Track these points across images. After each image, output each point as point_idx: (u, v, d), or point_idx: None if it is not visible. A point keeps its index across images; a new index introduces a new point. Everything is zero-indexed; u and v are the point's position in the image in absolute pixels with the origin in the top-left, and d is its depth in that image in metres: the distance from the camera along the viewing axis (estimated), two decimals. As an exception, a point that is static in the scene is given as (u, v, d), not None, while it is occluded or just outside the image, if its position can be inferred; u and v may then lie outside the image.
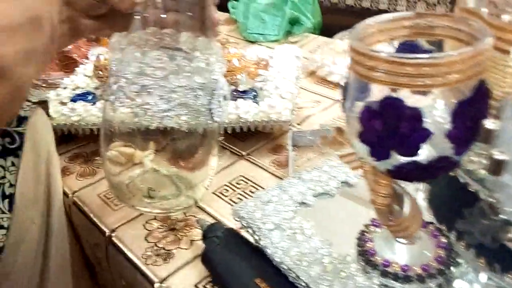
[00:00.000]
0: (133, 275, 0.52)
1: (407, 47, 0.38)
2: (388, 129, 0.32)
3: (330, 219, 0.48)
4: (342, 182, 0.52)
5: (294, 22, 1.05)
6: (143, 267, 0.51)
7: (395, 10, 1.32)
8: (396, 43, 0.39)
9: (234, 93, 0.73)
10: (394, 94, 0.33)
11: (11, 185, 0.53)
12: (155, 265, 0.51)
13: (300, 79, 0.81)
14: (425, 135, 0.32)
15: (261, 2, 1.07)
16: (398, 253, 0.41)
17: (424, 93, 0.35)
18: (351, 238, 0.44)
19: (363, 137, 0.34)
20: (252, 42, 1.05)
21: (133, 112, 0.47)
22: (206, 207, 0.59)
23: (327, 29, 1.11)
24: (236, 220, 0.49)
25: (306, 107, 0.79)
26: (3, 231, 0.51)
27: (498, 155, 0.25)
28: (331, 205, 0.50)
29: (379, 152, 0.34)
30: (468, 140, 0.32)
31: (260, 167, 0.66)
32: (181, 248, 0.53)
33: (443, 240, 0.42)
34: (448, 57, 0.30)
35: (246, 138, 0.71)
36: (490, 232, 0.34)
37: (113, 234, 0.56)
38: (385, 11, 1.35)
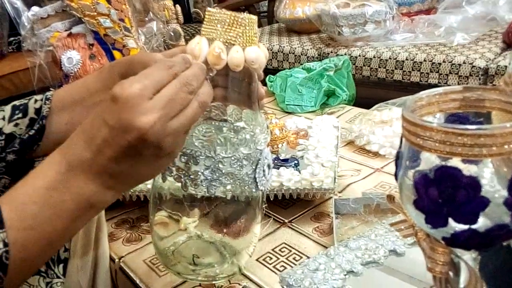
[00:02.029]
0: None
1: (455, 118, 0.39)
2: (445, 197, 0.33)
3: (380, 288, 0.47)
4: (390, 251, 0.51)
5: (330, 94, 1.09)
6: (189, 336, 0.50)
7: (427, 83, 1.35)
8: (439, 115, 0.40)
9: (276, 161, 0.75)
10: (449, 164, 0.34)
11: (66, 250, 0.54)
12: (201, 333, 0.50)
13: (339, 148, 0.82)
14: (483, 203, 0.32)
15: (298, 76, 1.12)
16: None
17: (475, 162, 0.36)
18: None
19: (419, 204, 0.35)
20: (290, 113, 1.08)
21: (181, 181, 0.49)
22: (250, 275, 0.58)
23: (361, 101, 1.14)
24: (283, 288, 0.49)
25: (346, 176, 0.80)
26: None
27: None
28: (380, 274, 0.49)
29: (435, 219, 0.34)
30: (527, 208, 0.32)
31: (303, 234, 0.65)
32: (227, 317, 0.52)
33: (502, 313, 0.40)
34: (503, 129, 0.31)
35: (288, 206, 0.71)
36: None
37: (158, 301, 0.56)
38: (417, 84, 1.38)
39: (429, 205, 0.34)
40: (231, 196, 0.52)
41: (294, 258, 0.61)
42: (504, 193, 0.33)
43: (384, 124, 0.88)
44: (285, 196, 0.69)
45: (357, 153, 0.88)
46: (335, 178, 0.70)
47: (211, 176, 0.48)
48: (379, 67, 1.44)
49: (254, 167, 0.50)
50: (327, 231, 0.65)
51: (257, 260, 0.61)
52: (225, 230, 0.59)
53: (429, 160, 0.36)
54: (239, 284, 0.57)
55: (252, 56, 0.46)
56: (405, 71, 1.39)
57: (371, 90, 1.43)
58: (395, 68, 1.41)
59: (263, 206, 0.57)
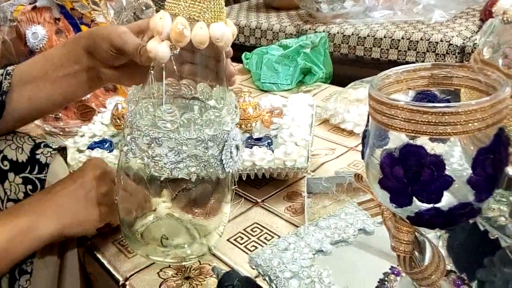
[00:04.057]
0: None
1: (424, 96, 0.39)
2: (409, 176, 0.33)
3: (348, 267, 0.48)
4: (359, 230, 0.52)
5: (306, 72, 1.08)
6: (157, 317, 0.50)
7: (404, 61, 1.35)
8: (410, 93, 0.40)
9: (249, 140, 0.74)
10: (414, 142, 0.34)
11: None
12: (169, 314, 0.50)
13: (314, 127, 0.82)
14: (447, 182, 0.32)
15: (274, 53, 1.10)
16: (420, 302, 0.40)
17: (442, 141, 0.35)
18: (372, 286, 0.43)
19: (384, 183, 0.34)
20: (265, 91, 1.07)
21: (144, 163, 0.48)
22: (221, 255, 0.58)
23: (338, 79, 1.13)
24: (252, 268, 0.49)
25: (320, 155, 0.79)
26: (27, 276, 0.51)
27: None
28: (349, 253, 0.49)
29: (400, 198, 0.34)
30: (489, 187, 0.32)
31: (275, 214, 0.65)
32: (196, 297, 0.52)
33: (465, 289, 0.41)
34: (468, 106, 0.31)
35: (261, 185, 0.71)
36: (494, 280, 0.34)
37: (127, 283, 0.55)
38: (394, 62, 1.38)
39: (394, 184, 0.34)
40: (199, 177, 0.51)
41: (265, 238, 0.60)
42: (467, 172, 0.33)
43: (359, 103, 0.88)
44: (257, 175, 0.69)
45: (332, 132, 0.88)
46: (308, 157, 0.70)
47: (174, 158, 0.47)
48: (357, 44, 1.43)
49: (220, 149, 0.49)
50: (300, 211, 0.65)
51: (228, 240, 0.61)
52: (194, 211, 0.59)
53: (397, 139, 0.35)
54: (209, 264, 0.56)
55: (217, 33, 0.44)
56: (383, 49, 1.39)
57: (349, 68, 1.42)
58: (373, 46, 1.40)
59: (233, 187, 0.57)
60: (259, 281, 0.49)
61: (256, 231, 0.62)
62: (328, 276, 0.46)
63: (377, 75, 0.38)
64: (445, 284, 0.42)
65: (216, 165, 0.49)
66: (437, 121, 0.31)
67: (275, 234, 0.61)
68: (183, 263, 0.57)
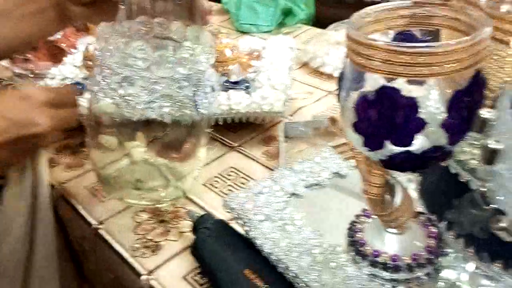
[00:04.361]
0: (120, 268, 0.51)
1: (403, 36, 0.38)
2: (382, 118, 0.32)
3: (321, 210, 0.48)
4: (334, 173, 0.52)
5: (287, 13, 1.05)
6: (131, 259, 0.51)
7: (387, 1, 1.31)
8: (392, 33, 0.39)
9: (226, 83, 0.72)
10: (390, 84, 0.33)
11: (1, 177, 0.52)
12: (143, 257, 0.51)
13: (293, 70, 0.80)
14: (420, 125, 0.31)
15: (254, -8, 1.06)
16: (388, 243, 0.41)
17: (419, 83, 0.35)
18: (342, 229, 0.44)
19: (358, 127, 0.34)
20: (245, 33, 1.04)
21: (115, 104, 0.46)
22: (196, 199, 0.58)
23: (320, 21, 1.10)
24: (226, 212, 0.49)
25: (298, 98, 0.79)
26: None
27: (493, 144, 0.25)
28: (323, 196, 0.50)
29: (373, 142, 0.34)
30: (463, 130, 0.32)
31: (251, 158, 0.65)
32: (170, 240, 0.53)
33: (433, 230, 0.42)
34: (445, 47, 0.30)
35: (237, 130, 0.70)
36: (479, 222, 0.34)
37: (100, 227, 0.55)
38: (378, 3, 1.34)
39: (367, 127, 0.33)
40: (173, 120, 0.50)
41: (241, 182, 0.61)
42: (442, 115, 0.32)
43: (340, 45, 0.86)
44: (234, 119, 0.68)
45: (311, 76, 0.86)
46: (286, 101, 0.69)
47: (147, 98, 0.46)
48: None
49: (194, 90, 0.48)
50: (276, 155, 0.65)
51: (203, 184, 0.61)
52: (169, 155, 0.58)
53: (373, 82, 0.34)
54: (184, 208, 0.57)
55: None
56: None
57: (332, 9, 1.38)
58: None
59: (208, 130, 0.56)
60: (233, 224, 0.49)
61: (232, 175, 0.62)
62: (301, 219, 0.46)
63: (356, 14, 0.36)
64: (414, 225, 0.42)
65: (190, 106, 0.48)
66: (413, 62, 0.30)
67: (251, 178, 0.61)
68: (158, 206, 0.57)
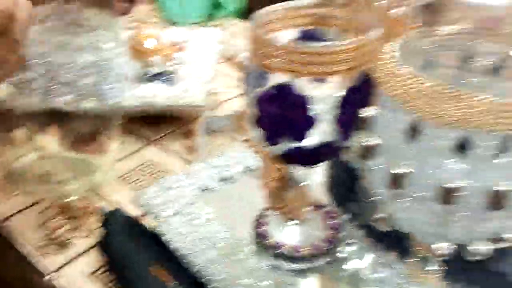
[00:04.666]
0: (25, 267, 0.49)
1: (309, 35, 0.39)
2: (278, 115, 0.33)
3: (232, 203, 0.49)
4: (247, 167, 0.53)
5: (216, 5, 1.04)
6: (35, 258, 0.49)
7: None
8: (298, 31, 0.40)
9: (146, 75, 0.71)
10: (293, 81, 0.34)
11: None
12: (49, 255, 0.49)
13: (218, 64, 0.80)
14: (311, 121, 0.33)
15: (182, -18, 1.04)
16: (290, 235, 0.42)
17: (321, 81, 0.36)
18: (250, 222, 0.45)
19: (258, 122, 0.35)
20: (172, 24, 1.02)
21: (15, 90, 0.44)
22: (109, 194, 0.57)
23: (251, 14, 1.10)
24: (136, 207, 0.49)
25: (223, 92, 0.79)
26: None
27: (366, 141, 0.27)
28: (234, 190, 0.50)
29: (271, 137, 0.35)
30: (352, 127, 0.34)
31: (170, 152, 0.65)
32: (79, 237, 0.51)
33: (333, 221, 0.44)
34: (333, 47, 0.31)
35: (157, 123, 0.69)
36: (361, 214, 0.36)
37: (4, 224, 0.53)
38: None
39: (267, 123, 0.34)
40: (83, 111, 0.49)
41: (158, 177, 0.60)
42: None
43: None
44: (153, 112, 0.67)
45: (237, 70, 0.87)
46: (207, 95, 0.69)
47: (47, 84, 0.44)
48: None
49: (102, 78, 0.46)
50: (196, 149, 0.64)
51: (118, 179, 0.59)
52: (79, 147, 0.56)
53: (278, 78, 0.35)
54: (95, 204, 0.55)
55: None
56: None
57: (266, 2, 1.40)
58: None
59: (119, 122, 0.55)
60: (145, 220, 0.49)
61: (148, 170, 0.61)
62: (210, 213, 0.47)
63: (260, 11, 0.37)
64: (315, 216, 0.44)
65: (97, 94, 0.46)
66: (305, 61, 0.31)
67: (168, 173, 0.61)
68: (67, 200, 0.55)
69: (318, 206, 0.46)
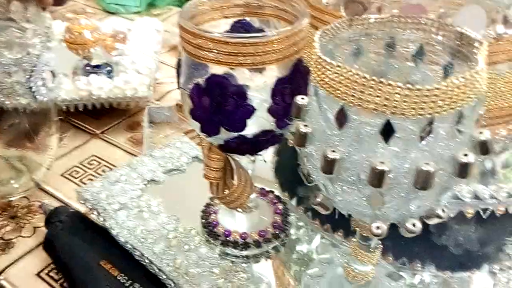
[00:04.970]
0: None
1: (240, 25, 0.39)
2: (214, 106, 0.33)
3: (179, 194, 0.49)
4: (193, 158, 0.53)
5: (157, -7, 1.02)
6: (-24, 261, 0.47)
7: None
8: (232, 21, 0.40)
9: (87, 67, 0.69)
10: (229, 72, 0.34)
11: None
12: (-9, 257, 0.47)
13: (160, 54, 0.79)
14: (249, 111, 0.33)
15: (120, -30, 1.01)
16: (238, 222, 0.43)
17: (259, 71, 0.36)
18: (198, 212, 0.45)
19: (194, 113, 0.35)
20: (112, 13, 0.99)
21: None
22: (53, 191, 0.55)
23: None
24: (81, 203, 0.48)
25: (166, 83, 0.78)
26: None
27: (302, 128, 0.27)
28: (181, 181, 0.50)
29: (208, 128, 0.35)
30: (287, 115, 0.34)
31: (115, 145, 0.63)
32: (23, 237, 0.50)
33: (280, 207, 0.45)
34: (264, 37, 0.32)
35: (101, 116, 0.68)
36: (306, 198, 0.38)
37: None
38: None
39: (202, 114, 0.34)
40: (15, 108, 0.47)
41: (103, 171, 0.59)
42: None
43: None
44: (96, 105, 0.65)
45: (181, 59, 0.86)
46: (151, 86, 0.68)
47: None
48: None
49: (28, 75, 0.44)
50: (142, 141, 0.64)
51: (62, 175, 0.58)
52: (18, 144, 0.54)
53: (216, 69, 0.35)
54: (39, 201, 0.53)
55: None
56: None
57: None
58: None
59: (57, 117, 0.53)
60: (90, 215, 0.48)
61: (93, 164, 0.60)
62: (158, 205, 0.46)
63: (190, 2, 0.37)
64: (262, 203, 0.45)
65: (24, 93, 0.44)
66: (235, 51, 0.31)
67: (114, 166, 0.60)
68: (10, 199, 0.53)
69: (265, 192, 0.47)
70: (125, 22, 0.85)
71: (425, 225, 0.40)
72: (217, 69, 0.34)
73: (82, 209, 0.50)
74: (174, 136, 0.64)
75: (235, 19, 0.38)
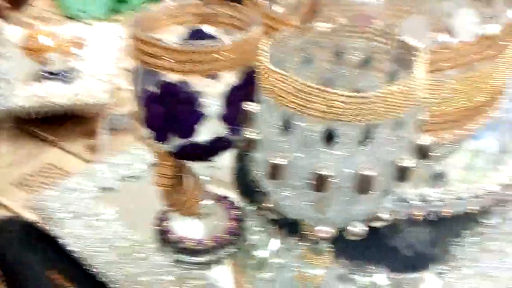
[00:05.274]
0: None
1: (196, 33, 0.39)
2: (167, 113, 0.33)
3: (134, 202, 0.48)
4: (149, 165, 0.52)
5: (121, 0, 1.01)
6: None
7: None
8: (186, 29, 0.39)
9: (43, 73, 0.67)
10: (181, 79, 0.34)
11: None
12: None
13: (122, 60, 0.78)
14: (199, 117, 0.33)
15: (82, -24, 0.99)
16: (192, 229, 0.42)
17: (214, 77, 0.36)
18: (152, 219, 0.44)
19: (147, 120, 0.34)
20: (73, 19, 0.97)
21: None
22: (5, 201, 0.53)
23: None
24: (32, 212, 0.46)
25: (127, 89, 0.76)
26: None
27: (248, 135, 0.27)
28: (137, 188, 0.49)
29: (161, 135, 0.34)
30: (238, 122, 0.34)
31: (71, 153, 0.62)
32: (-29, 248, 0.47)
33: (236, 212, 0.45)
34: (213, 46, 0.31)
35: (57, 123, 0.66)
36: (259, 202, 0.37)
37: None
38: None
39: (155, 121, 0.34)
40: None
41: (58, 179, 0.57)
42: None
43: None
44: (52, 113, 0.63)
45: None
46: (111, 92, 0.67)
47: None
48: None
49: None
50: (99, 149, 0.62)
51: (13, 184, 0.56)
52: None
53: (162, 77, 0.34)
54: (-10, 211, 0.51)
55: None
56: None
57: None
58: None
59: (12, 125, 0.51)
60: (43, 225, 0.46)
61: (48, 172, 0.58)
62: (112, 213, 0.45)
63: (143, 11, 0.36)
64: (218, 209, 0.45)
65: None
66: (187, 60, 0.31)
67: (69, 174, 0.58)
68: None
69: (221, 198, 0.46)
70: (86, 28, 0.84)
71: (377, 228, 0.40)
72: (172, 77, 0.33)
73: (34, 218, 0.48)
74: (131, 143, 0.63)
75: (191, 26, 0.38)
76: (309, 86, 0.24)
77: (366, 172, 0.25)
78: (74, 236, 0.43)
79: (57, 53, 0.71)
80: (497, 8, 0.34)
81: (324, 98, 0.24)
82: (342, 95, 0.23)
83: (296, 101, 0.24)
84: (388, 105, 0.24)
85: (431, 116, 0.38)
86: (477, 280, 0.40)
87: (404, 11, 0.37)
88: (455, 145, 0.43)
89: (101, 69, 0.69)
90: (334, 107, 0.24)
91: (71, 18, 0.97)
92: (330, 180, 0.25)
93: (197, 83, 0.35)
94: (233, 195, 0.48)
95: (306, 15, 0.36)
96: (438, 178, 0.44)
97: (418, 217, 0.42)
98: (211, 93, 0.35)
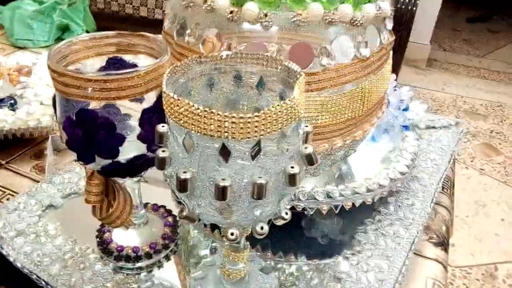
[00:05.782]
0: None
1: (114, 62, 0.39)
2: (86, 137, 0.33)
3: (77, 217, 0.47)
4: (91, 181, 0.51)
5: (65, 28, 0.98)
6: None
7: (153, 17, 1.34)
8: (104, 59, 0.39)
9: (-11, 102, 0.64)
10: (113, 102, 0.34)
11: None
12: None
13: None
14: (119, 139, 0.33)
15: (27, 8, 0.95)
16: (130, 238, 0.42)
17: (139, 101, 0.36)
18: (94, 232, 0.44)
19: (69, 144, 0.34)
20: (21, 48, 0.93)
21: None
22: (-47, 224, 0.50)
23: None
24: (-23, 234, 0.44)
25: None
26: None
27: (159, 154, 0.28)
28: (79, 204, 0.48)
29: (84, 156, 0.34)
30: (152, 141, 0.34)
31: (21, 174, 0.59)
32: None
33: (171, 219, 0.45)
34: (128, 73, 0.32)
35: (6, 147, 0.63)
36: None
37: None
38: (146, 18, 1.36)
39: (76, 144, 0.33)
40: None
41: (8, 200, 0.55)
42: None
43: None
44: (0, 136, 0.61)
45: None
46: (53, 116, 0.65)
47: None
48: (126, 3, 1.35)
49: None
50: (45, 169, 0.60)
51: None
52: None
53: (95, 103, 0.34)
54: None
55: None
56: (149, 8, 1.35)
57: (117, 25, 1.35)
58: (141, 5, 1.35)
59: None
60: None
61: (-3, 194, 0.56)
62: (55, 229, 0.44)
63: (61, 42, 0.36)
64: (154, 217, 0.45)
65: None
66: (102, 87, 0.31)
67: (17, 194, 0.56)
68: None
69: (156, 207, 0.46)
70: (32, 56, 0.81)
71: (297, 222, 0.42)
72: (92, 103, 0.33)
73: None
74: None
75: (109, 56, 0.38)
76: (200, 109, 0.24)
77: (259, 181, 0.26)
78: (19, 252, 0.41)
79: (3, 81, 0.68)
80: (369, 34, 0.37)
81: (214, 119, 0.25)
82: (229, 117, 0.24)
83: (192, 122, 0.25)
84: (269, 123, 0.25)
85: (322, 126, 0.40)
86: (376, 261, 0.43)
87: (288, 39, 0.38)
88: (353, 149, 0.46)
89: (45, 94, 0.67)
90: (224, 127, 0.25)
91: (19, 47, 0.93)
92: (229, 189, 0.26)
93: (124, 106, 0.35)
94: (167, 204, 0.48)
95: (208, 44, 0.37)
96: (340, 177, 0.47)
97: (324, 211, 0.44)
98: (136, 115, 0.35)
